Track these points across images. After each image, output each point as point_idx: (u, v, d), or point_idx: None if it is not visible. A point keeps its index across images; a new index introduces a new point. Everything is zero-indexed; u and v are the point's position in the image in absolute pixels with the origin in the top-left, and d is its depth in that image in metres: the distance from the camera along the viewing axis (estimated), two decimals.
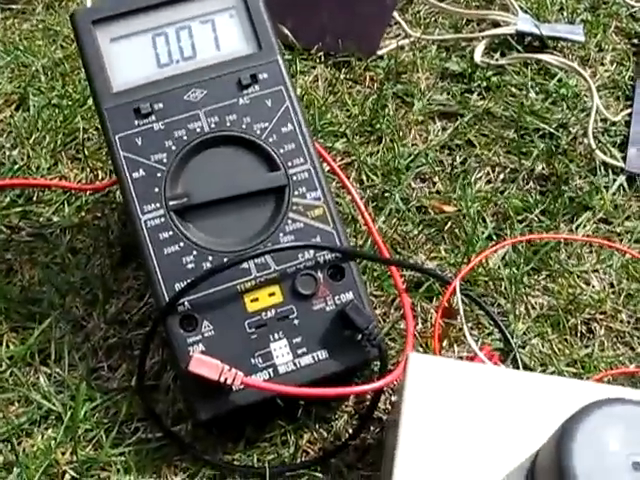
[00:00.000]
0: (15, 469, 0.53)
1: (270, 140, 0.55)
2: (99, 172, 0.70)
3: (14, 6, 0.85)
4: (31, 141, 0.72)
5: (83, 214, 0.68)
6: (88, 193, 0.68)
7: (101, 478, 0.53)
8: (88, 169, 0.70)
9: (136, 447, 0.55)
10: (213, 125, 0.55)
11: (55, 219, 0.67)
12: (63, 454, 0.54)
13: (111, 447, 0.54)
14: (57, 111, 0.74)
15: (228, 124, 0.55)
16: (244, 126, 0.55)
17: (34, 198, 0.68)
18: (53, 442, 0.54)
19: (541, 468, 0.43)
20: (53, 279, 0.63)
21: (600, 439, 0.40)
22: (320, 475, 0.53)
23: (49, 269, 0.64)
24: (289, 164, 0.54)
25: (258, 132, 0.55)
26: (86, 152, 0.71)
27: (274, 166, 0.54)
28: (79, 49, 0.55)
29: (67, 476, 0.53)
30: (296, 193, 0.54)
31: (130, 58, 0.55)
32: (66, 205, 0.68)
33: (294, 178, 0.54)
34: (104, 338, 0.60)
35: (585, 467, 0.40)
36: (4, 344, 0.60)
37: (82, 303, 0.62)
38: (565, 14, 0.85)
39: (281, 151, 0.55)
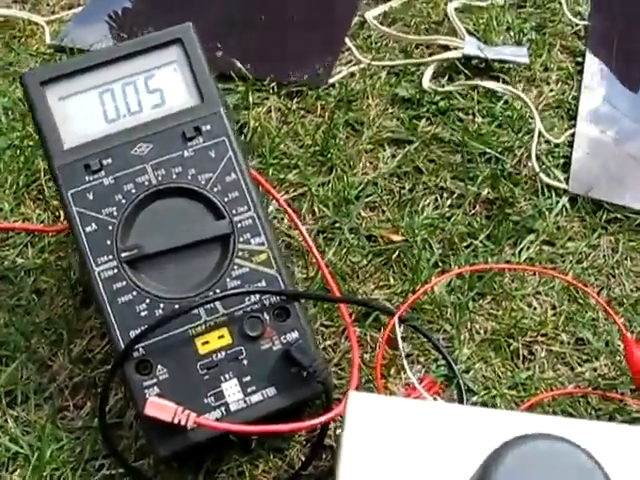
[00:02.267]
0: None
1: (215, 190, 0.59)
2: (60, 212, 0.74)
3: None
4: None
5: (46, 255, 0.72)
6: (50, 234, 0.72)
7: None
8: (49, 210, 0.74)
9: None
10: (160, 178, 0.59)
11: (19, 261, 0.71)
12: None
13: None
14: (18, 152, 0.78)
15: (174, 176, 0.59)
16: (190, 177, 0.59)
17: None
18: None
19: None
20: (18, 322, 0.67)
21: (518, 477, 0.45)
22: None
23: (14, 312, 0.68)
24: (233, 212, 0.59)
25: (203, 182, 0.59)
26: (47, 193, 0.75)
27: (219, 215, 0.59)
28: (30, 109, 0.59)
29: None
30: (241, 240, 0.58)
31: (79, 115, 0.59)
32: (30, 247, 0.72)
33: (239, 225, 0.58)
34: (69, 377, 0.65)
35: None
36: None
37: (47, 343, 0.66)
38: (512, 34, 0.89)
39: (225, 200, 0.59)
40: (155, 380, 0.56)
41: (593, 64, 0.85)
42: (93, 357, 0.66)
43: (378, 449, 0.51)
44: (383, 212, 0.74)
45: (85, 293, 0.69)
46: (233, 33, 0.88)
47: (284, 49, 0.87)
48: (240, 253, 0.58)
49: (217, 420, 0.56)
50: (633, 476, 0.50)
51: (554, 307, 0.69)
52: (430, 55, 0.86)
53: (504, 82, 0.83)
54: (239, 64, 0.82)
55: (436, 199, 0.75)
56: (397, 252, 0.71)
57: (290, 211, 0.67)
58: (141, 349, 0.57)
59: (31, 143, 0.79)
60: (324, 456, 0.60)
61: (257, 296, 0.58)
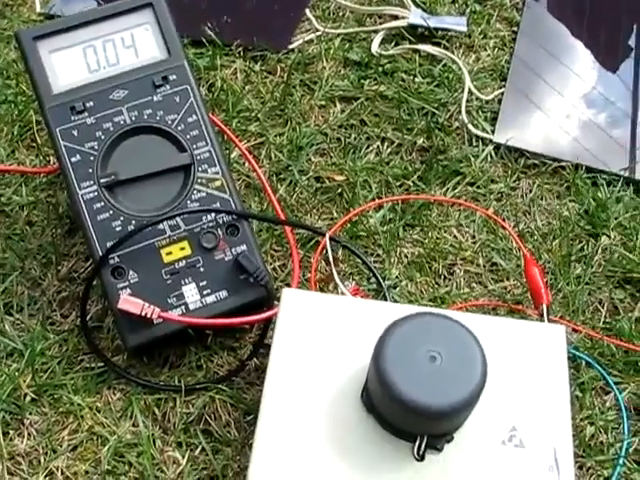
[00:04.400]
0: None
1: (179, 128, 0.75)
2: (51, 157, 0.90)
3: None
4: None
5: (38, 193, 0.87)
6: (42, 175, 0.88)
7: (55, 398, 0.73)
8: (41, 155, 0.90)
9: (82, 374, 0.75)
10: (133, 118, 0.74)
11: (15, 198, 0.87)
12: (24, 381, 0.74)
13: (62, 374, 0.74)
14: (13, 106, 0.94)
15: (145, 117, 0.75)
16: (158, 118, 0.75)
17: None
18: (17, 372, 0.74)
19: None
20: (14, 247, 0.83)
21: (406, 339, 0.60)
22: (226, 389, 0.73)
23: (10, 239, 0.84)
24: (194, 146, 0.74)
25: (169, 122, 0.75)
26: (39, 141, 0.91)
27: (182, 148, 0.74)
28: (24, 61, 0.75)
29: (28, 397, 0.73)
30: (200, 169, 0.74)
31: (66, 66, 0.75)
32: (23, 186, 0.88)
33: (198, 157, 0.74)
34: (57, 292, 0.80)
35: (393, 360, 0.59)
36: None
37: (38, 265, 0.82)
38: (457, 5, 1.05)
39: (187, 137, 0.75)
40: (127, 283, 0.72)
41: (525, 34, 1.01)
42: (77, 276, 0.81)
43: (306, 336, 0.66)
44: (330, 157, 0.90)
45: (71, 224, 0.85)
46: (208, 4, 1.04)
47: (251, 19, 1.02)
48: (199, 180, 0.74)
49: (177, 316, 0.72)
50: (513, 356, 0.65)
51: (473, 237, 0.84)
52: (380, 24, 1.02)
53: (444, 48, 0.99)
54: (209, 31, 0.98)
55: (378, 147, 0.91)
56: (340, 190, 0.86)
57: (248, 155, 0.83)
58: (116, 257, 0.72)
59: (24, 99, 0.95)
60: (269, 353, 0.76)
61: (212, 215, 0.74)
